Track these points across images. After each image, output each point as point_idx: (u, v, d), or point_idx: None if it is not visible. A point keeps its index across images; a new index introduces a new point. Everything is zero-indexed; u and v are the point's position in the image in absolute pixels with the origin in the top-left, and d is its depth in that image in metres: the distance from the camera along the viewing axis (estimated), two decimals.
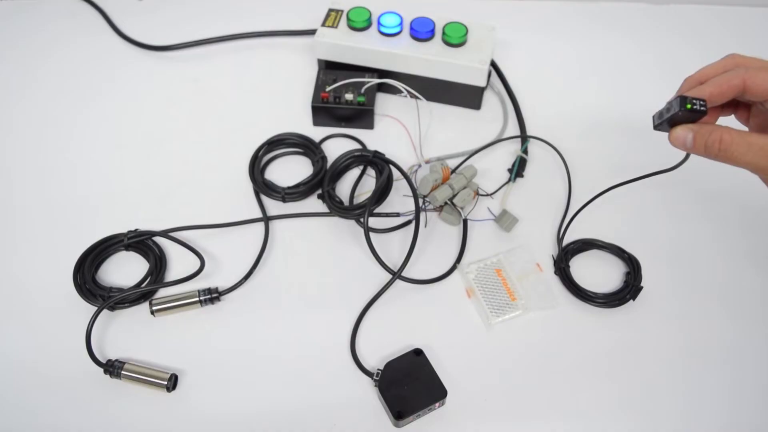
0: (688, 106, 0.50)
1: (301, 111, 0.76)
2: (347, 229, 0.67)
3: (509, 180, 0.70)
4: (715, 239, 0.66)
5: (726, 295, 0.62)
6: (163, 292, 0.62)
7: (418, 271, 0.64)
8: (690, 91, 0.53)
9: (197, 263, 0.62)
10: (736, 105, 0.56)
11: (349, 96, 0.73)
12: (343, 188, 0.70)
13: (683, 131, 0.52)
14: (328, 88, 0.74)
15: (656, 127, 0.54)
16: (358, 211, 0.65)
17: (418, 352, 0.56)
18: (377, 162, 0.69)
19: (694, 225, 0.67)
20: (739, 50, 0.54)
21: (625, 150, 0.74)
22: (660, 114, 0.53)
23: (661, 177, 0.58)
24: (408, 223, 0.67)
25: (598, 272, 0.64)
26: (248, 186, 0.70)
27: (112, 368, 0.55)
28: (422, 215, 0.66)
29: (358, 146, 0.74)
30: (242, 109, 0.78)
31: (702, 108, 0.50)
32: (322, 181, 0.68)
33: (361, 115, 0.74)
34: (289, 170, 0.71)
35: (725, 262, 0.65)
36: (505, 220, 0.66)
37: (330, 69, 0.77)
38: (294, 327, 0.60)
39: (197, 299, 0.60)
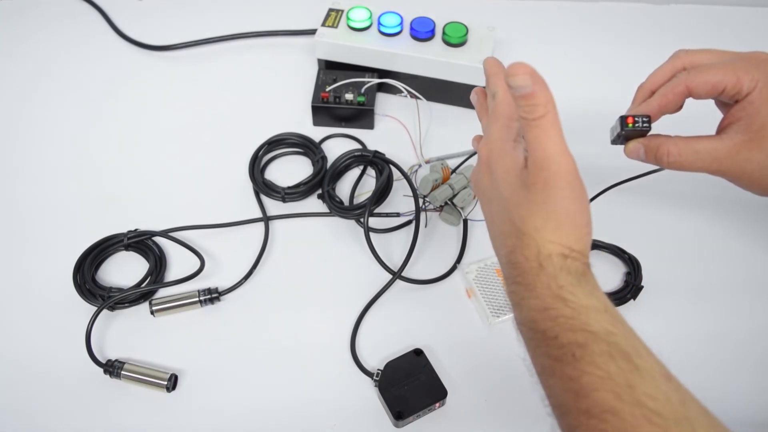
0: (630, 125, 0.52)
1: (301, 111, 0.76)
2: (347, 229, 0.67)
3: None
4: (714, 236, 0.66)
5: (726, 293, 0.62)
6: (163, 292, 0.62)
7: (418, 271, 0.64)
8: (639, 107, 0.55)
9: (197, 263, 0.62)
10: None
11: (349, 96, 0.73)
12: (343, 188, 0.70)
13: (635, 145, 0.55)
14: (328, 88, 0.74)
15: (613, 142, 0.57)
16: (358, 211, 0.65)
17: (418, 352, 0.56)
18: (377, 162, 0.69)
19: (693, 223, 0.67)
20: (739, 51, 0.54)
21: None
22: (612, 130, 0.56)
23: (659, 176, 0.58)
24: (408, 223, 0.67)
25: (597, 272, 0.62)
26: (248, 186, 0.70)
27: (112, 368, 0.55)
28: (422, 215, 0.66)
29: (358, 146, 0.74)
30: (242, 109, 0.78)
31: (645, 125, 0.52)
32: (322, 181, 0.68)
33: (361, 115, 0.74)
34: (289, 170, 0.71)
35: (725, 260, 0.65)
36: None
37: (330, 69, 0.77)
38: (294, 327, 0.60)
39: (197, 299, 0.60)
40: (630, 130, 0.53)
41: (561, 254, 0.42)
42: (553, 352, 0.40)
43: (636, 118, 0.52)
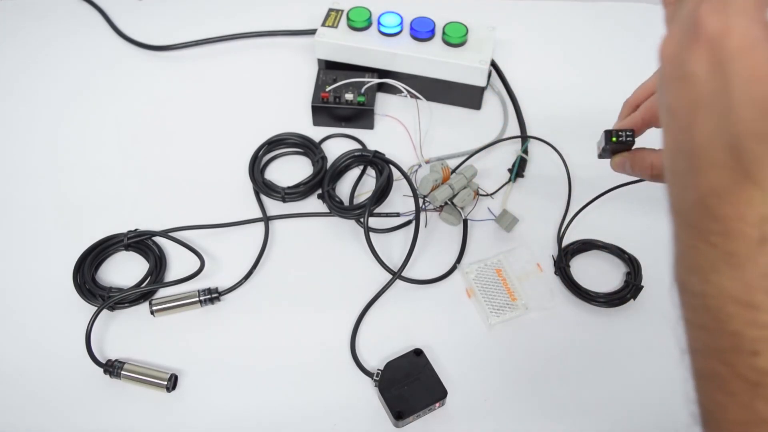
0: (614, 139, 0.54)
1: (301, 111, 0.76)
2: (347, 229, 0.67)
3: (509, 180, 0.70)
4: None
5: None
6: (163, 292, 0.62)
7: (418, 271, 0.64)
8: (624, 121, 0.56)
9: (197, 263, 0.62)
10: None
11: (349, 96, 0.73)
12: (343, 188, 0.70)
13: (621, 159, 0.55)
14: (328, 88, 0.74)
15: (599, 156, 0.58)
16: (358, 211, 0.65)
17: (418, 352, 0.56)
18: (377, 162, 0.69)
19: None
20: None
21: None
22: (598, 145, 0.57)
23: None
24: (408, 223, 0.67)
25: (598, 272, 0.63)
26: (248, 186, 0.70)
27: (112, 368, 0.55)
28: (422, 215, 0.66)
29: (358, 146, 0.74)
30: (242, 109, 0.78)
31: (629, 139, 0.54)
32: (322, 181, 0.68)
33: (361, 115, 0.74)
34: (289, 170, 0.71)
35: None
36: (505, 220, 0.66)
37: (330, 69, 0.77)
38: (294, 327, 0.60)
39: (197, 299, 0.60)
40: (614, 145, 0.54)
41: None
42: (744, 372, 0.30)
43: (620, 133, 0.54)
